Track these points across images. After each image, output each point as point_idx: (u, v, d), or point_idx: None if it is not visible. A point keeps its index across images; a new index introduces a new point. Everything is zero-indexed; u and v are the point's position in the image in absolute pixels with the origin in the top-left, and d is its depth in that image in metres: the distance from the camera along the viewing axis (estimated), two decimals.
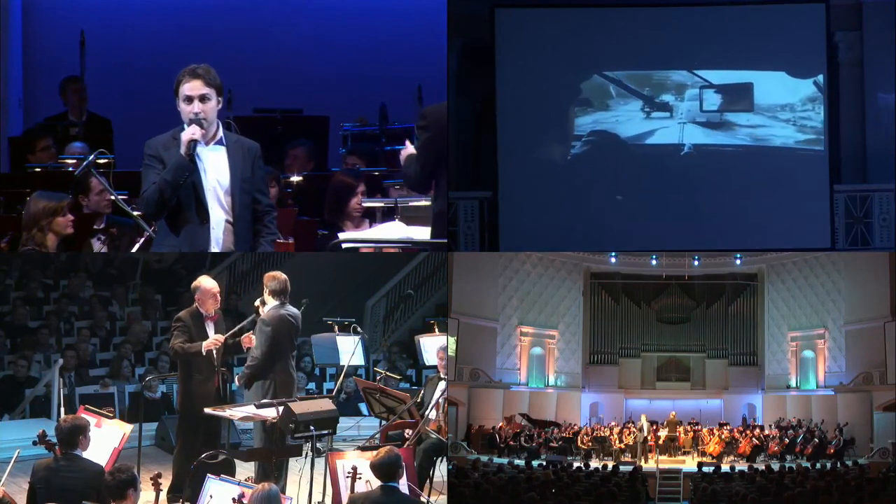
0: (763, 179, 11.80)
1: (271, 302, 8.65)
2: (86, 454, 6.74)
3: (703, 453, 14.66)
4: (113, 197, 9.00)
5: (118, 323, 13.86)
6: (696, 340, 17.30)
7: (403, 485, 6.91)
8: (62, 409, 10.10)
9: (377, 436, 8.88)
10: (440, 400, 9.03)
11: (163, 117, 7.42)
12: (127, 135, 11.96)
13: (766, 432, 15.10)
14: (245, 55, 14.08)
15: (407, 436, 8.58)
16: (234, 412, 8.31)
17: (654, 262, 16.84)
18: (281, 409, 7.74)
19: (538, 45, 11.75)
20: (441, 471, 9.16)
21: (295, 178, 10.87)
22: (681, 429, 15.23)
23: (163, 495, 6.84)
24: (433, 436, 8.87)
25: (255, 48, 14.31)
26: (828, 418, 14.74)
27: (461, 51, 11.97)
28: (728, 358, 17.21)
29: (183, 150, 7.01)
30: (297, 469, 8.30)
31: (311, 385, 13.11)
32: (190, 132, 7.03)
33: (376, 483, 6.64)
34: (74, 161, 10.65)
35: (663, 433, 14.93)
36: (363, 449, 7.72)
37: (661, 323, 17.34)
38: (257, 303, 8.77)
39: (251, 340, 8.72)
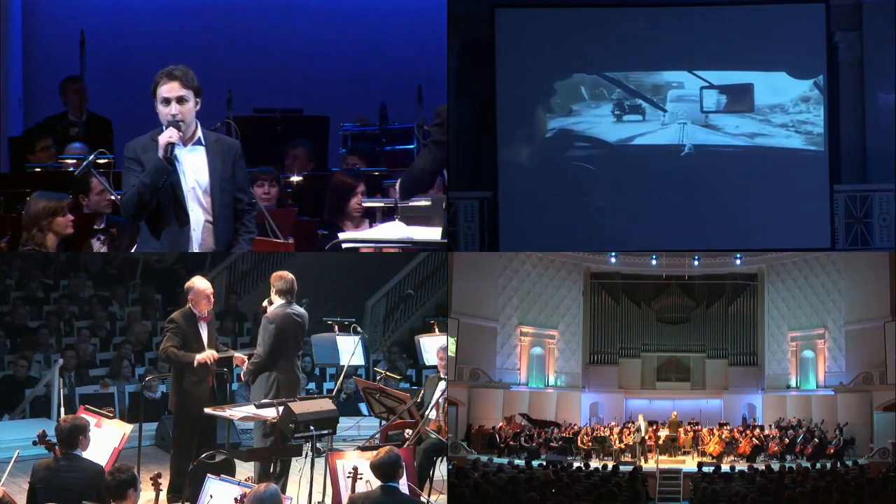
0: (763, 179, 11.80)
1: (278, 301, 8.69)
2: (86, 454, 6.75)
3: (703, 453, 14.63)
4: (113, 197, 9.00)
5: (118, 323, 13.87)
6: (696, 340, 17.27)
7: (403, 485, 6.91)
8: (62, 409, 10.10)
9: (377, 436, 8.88)
10: (440, 400, 9.03)
11: None
12: (127, 135, 11.72)
13: (766, 432, 15.07)
14: (245, 55, 14.09)
15: (407, 436, 8.58)
16: (234, 412, 8.32)
17: (654, 262, 16.82)
18: (281, 409, 7.75)
19: (538, 45, 11.74)
20: (441, 471, 9.17)
21: (295, 178, 10.86)
22: (681, 429, 15.22)
23: (163, 495, 6.84)
24: (433, 436, 8.87)
25: (255, 48, 14.31)
26: (828, 418, 14.72)
27: (461, 51, 11.96)
28: (728, 358, 17.17)
29: (161, 153, 7.00)
30: (298, 469, 8.30)
31: (311, 385, 13.11)
32: (167, 135, 7.02)
33: (376, 483, 6.64)
34: (74, 161, 10.63)
35: (664, 433, 14.93)
36: (363, 449, 7.72)
37: (661, 323, 17.31)
38: (265, 303, 8.80)
39: (242, 361, 8.77)
